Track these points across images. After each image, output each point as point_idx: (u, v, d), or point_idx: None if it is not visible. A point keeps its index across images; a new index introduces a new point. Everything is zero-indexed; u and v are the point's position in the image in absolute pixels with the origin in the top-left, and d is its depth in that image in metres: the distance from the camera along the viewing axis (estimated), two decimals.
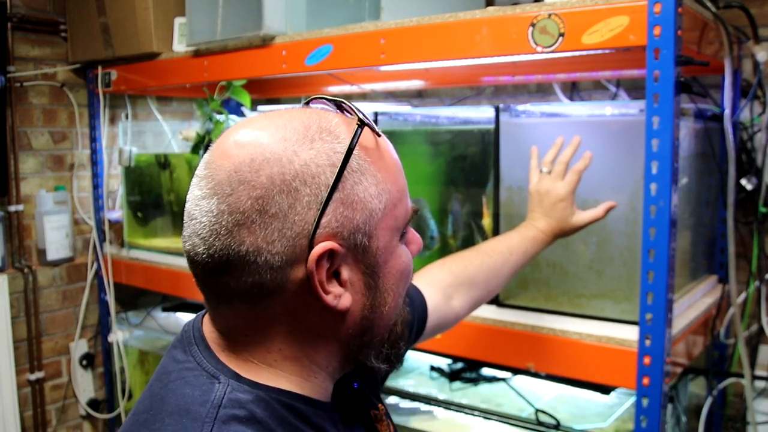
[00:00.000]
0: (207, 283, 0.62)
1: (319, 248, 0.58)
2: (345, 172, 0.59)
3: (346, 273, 0.61)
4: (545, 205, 1.23)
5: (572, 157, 1.24)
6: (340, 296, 0.61)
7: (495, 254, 1.15)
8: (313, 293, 0.60)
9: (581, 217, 1.23)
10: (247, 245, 0.58)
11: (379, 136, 0.64)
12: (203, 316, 0.68)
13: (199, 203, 0.60)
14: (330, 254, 0.59)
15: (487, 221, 1.54)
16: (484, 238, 1.54)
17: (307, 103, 0.67)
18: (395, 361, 0.70)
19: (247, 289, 0.59)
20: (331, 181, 0.58)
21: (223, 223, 0.58)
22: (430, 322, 1.00)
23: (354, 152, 0.60)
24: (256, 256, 0.58)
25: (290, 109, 0.64)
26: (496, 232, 1.49)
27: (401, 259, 0.66)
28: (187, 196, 0.62)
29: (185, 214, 0.62)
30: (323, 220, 0.58)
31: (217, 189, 0.58)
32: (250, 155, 0.58)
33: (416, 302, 0.98)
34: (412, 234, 0.71)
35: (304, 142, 0.59)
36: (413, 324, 0.94)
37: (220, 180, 0.59)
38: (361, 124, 0.62)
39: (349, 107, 0.64)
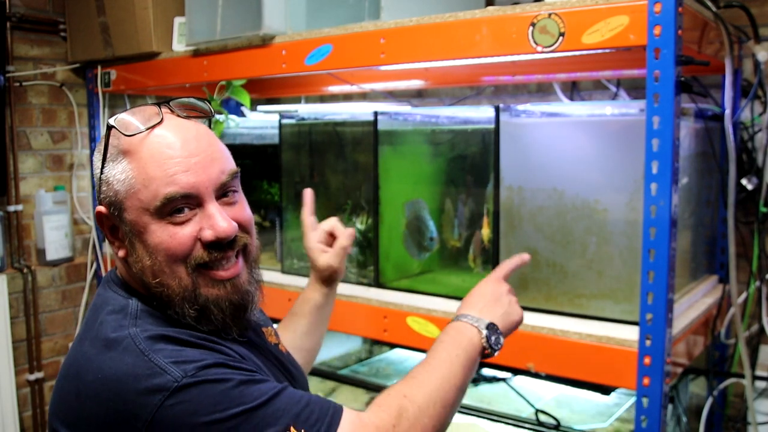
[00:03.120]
0: None
1: (96, 210, 0.88)
2: (106, 161, 0.86)
3: (120, 231, 0.86)
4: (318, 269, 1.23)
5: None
6: (119, 247, 0.87)
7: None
8: None
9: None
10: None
11: (130, 135, 0.83)
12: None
13: None
14: (103, 215, 0.87)
15: (486, 231, 1.53)
16: (483, 249, 1.54)
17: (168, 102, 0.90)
18: (214, 322, 0.85)
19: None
20: (100, 166, 0.86)
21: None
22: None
23: (112, 147, 0.85)
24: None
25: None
26: (495, 237, 1.48)
27: (155, 235, 0.83)
28: None
29: None
30: (101, 191, 0.87)
31: None
32: None
33: None
34: (206, 224, 0.84)
35: (102, 140, 0.87)
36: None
37: None
38: (108, 127, 0.85)
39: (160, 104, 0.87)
